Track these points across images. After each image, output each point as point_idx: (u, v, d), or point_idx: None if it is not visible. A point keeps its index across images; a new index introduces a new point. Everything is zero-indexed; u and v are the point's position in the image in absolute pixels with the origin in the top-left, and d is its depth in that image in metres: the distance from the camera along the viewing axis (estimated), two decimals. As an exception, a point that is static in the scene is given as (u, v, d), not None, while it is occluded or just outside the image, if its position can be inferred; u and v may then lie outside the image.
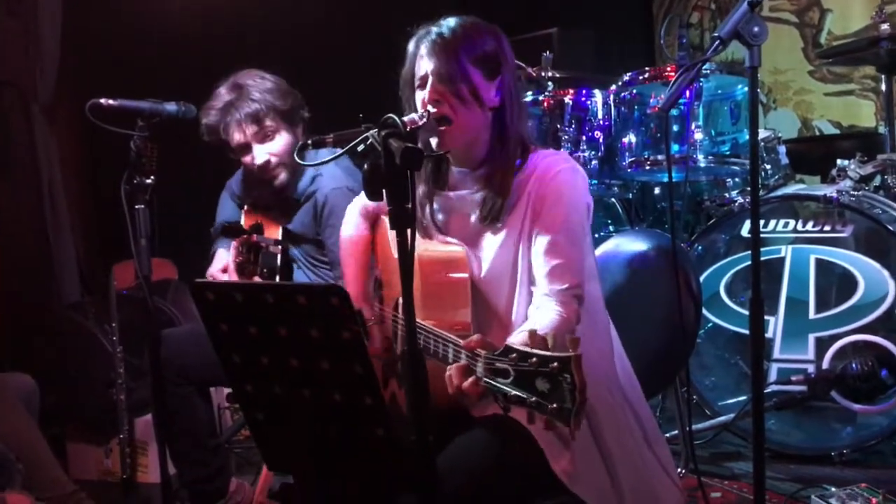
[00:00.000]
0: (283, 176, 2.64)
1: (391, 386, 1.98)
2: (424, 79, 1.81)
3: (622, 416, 1.83)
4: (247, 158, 2.64)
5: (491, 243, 1.85)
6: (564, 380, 1.32)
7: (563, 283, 1.74)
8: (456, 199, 1.91)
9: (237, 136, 2.59)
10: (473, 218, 1.88)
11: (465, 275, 1.84)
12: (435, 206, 1.93)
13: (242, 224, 2.77)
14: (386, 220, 2.07)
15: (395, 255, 1.97)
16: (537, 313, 1.74)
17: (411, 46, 1.85)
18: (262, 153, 2.60)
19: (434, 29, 1.83)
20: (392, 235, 2.03)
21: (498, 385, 1.43)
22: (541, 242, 1.78)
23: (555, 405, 1.33)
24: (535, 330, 1.43)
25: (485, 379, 1.48)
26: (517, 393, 1.39)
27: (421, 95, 1.81)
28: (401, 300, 1.88)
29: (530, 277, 1.81)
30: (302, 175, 2.67)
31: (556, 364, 1.33)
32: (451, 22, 1.83)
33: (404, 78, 1.87)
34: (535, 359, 1.37)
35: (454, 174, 1.92)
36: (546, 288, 1.75)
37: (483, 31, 1.84)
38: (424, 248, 1.89)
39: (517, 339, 1.59)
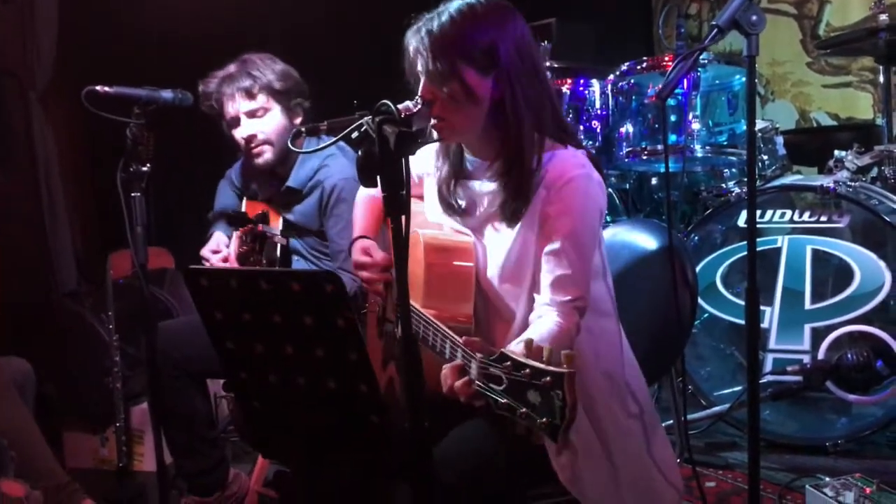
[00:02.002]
0: (267, 155, 2.64)
1: (389, 370, 1.98)
2: (418, 75, 1.77)
3: (623, 417, 1.81)
4: (235, 132, 2.65)
5: (500, 238, 1.82)
6: (556, 395, 1.29)
7: (565, 295, 1.70)
8: (470, 188, 1.87)
9: (229, 108, 2.63)
10: (483, 210, 1.84)
11: (471, 265, 1.82)
12: (458, 190, 1.89)
13: (245, 213, 2.76)
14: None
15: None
16: (537, 322, 1.70)
17: (407, 37, 1.78)
18: (249, 127, 2.62)
19: (425, 24, 1.74)
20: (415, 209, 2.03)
21: (490, 390, 1.41)
22: (547, 250, 1.72)
23: (545, 419, 1.31)
24: (532, 339, 1.41)
25: (477, 382, 1.45)
26: (508, 401, 1.37)
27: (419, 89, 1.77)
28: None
29: (535, 279, 1.77)
30: (300, 164, 2.67)
31: (548, 378, 1.31)
32: (444, 14, 1.74)
33: (406, 69, 1.82)
34: (528, 370, 1.34)
35: (468, 163, 1.88)
36: (548, 297, 1.71)
37: (481, 19, 1.73)
38: (433, 233, 1.88)
39: (516, 347, 1.55)
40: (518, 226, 1.77)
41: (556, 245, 1.71)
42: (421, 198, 2.00)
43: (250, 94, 2.61)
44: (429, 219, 1.95)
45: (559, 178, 1.73)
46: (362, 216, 2.12)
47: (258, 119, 2.63)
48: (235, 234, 2.50)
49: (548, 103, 1.80)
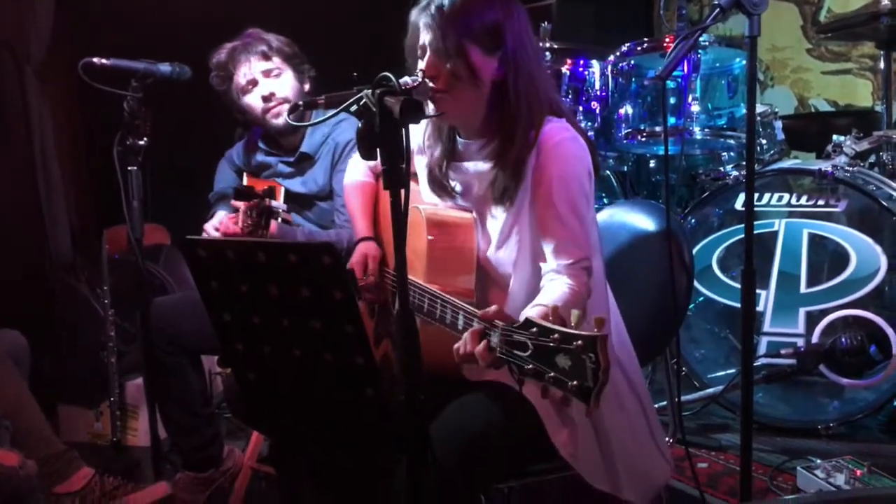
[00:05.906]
0: (283, 119, 2.63)
1: (384, 346, 1.98)
2: (423, 50, 1.78)
3: (619, 391, 1.82)
4: (250, 96, 2.66)
5: (496, 213, 1.83)
6: (589, 359, 1.29)
7: (569, 258, 1.72)
8: (463, 170, 1.88)
9: (245, 72, 2.65)
10: (478, 191, 1.85)
11: (472, 239, 1.84)
12: (450, 172, 1.90)
13: (252, 187, 2.74)
14: None
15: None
16: (548, 286, 1.71)
17: (413, 15, 1.80)
18: (267, 86, 2.65)
19: (434, 1, 1.76)
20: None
21: (514, 357, 1.41)
22: (545, 217, 1.75)
23: (575, 382, 1.30)
24: (557, 306, 1.40)
25: (501, 349, 1.45)
26: (534, 366, 1.37)
27: (420, 66, 1.78)
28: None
29: (532, 250, 1.78)
30: (311, 133, 2.69)
31: (580, 342, 1.30)
32: None
33: (408, 46, 1.83)
34: (556, 335, 1.34)
35: (460, 144, 1.89)
36: (554, 263, 1.73)
37: (488, 1, 1.77)
38: (434, 209, 1.88)
39: (533, 312, 1.55)
40: (513, 202, 1.79)
41: (553, 210, 1.73)
42: (414, 175, 1.99)
43: (266, 56, 2.65)
44: (423, 198, 1.95)
45: (547, 141, 1.76)
46: (359, 210, 2.13)
47: (275, 79, 2.66)
48: (241, 209, 2.50)
49: (545, 85, 1.84)
